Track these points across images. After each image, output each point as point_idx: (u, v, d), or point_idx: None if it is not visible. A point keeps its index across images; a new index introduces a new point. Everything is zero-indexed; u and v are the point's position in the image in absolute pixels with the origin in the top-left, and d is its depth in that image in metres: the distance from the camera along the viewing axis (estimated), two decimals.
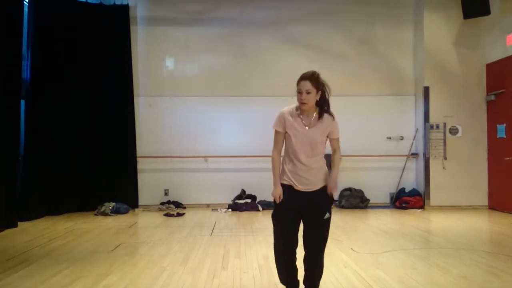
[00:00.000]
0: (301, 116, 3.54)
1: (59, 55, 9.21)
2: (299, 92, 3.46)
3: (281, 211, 3.60)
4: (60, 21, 9.23)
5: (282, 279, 3.77)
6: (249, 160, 9.89)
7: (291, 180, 3.55)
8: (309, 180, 3.52)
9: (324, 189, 3.57)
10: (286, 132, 3.56)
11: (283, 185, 3.59)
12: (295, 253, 3.66)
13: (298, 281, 3.75)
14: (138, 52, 10.16)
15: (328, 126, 3.56)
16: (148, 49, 10.24)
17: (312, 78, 3.45)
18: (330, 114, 3.58)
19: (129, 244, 6.34)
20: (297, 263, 3.75)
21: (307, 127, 3.52)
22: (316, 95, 3.47)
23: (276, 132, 3.60)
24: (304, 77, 3.47)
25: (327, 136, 3.59)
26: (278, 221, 3.66)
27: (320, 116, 3.54)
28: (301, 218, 3.60)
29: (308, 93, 3.43)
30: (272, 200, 3.71)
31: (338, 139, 3.66)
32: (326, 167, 3.64)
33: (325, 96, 3.54)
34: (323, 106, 3.54)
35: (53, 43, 9.10)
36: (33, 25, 8.73)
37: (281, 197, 3.55)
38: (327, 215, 3.54)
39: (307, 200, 3.52)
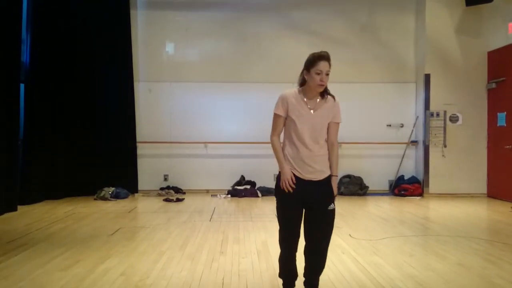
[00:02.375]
0: (305, 99, 3.37)
1: (59, 39, 9.15)
2: (318, 73, 3.25)
3: (286, 200, 3.38)
4: (59, 5, 9.16)
5: (281, 273, 3.63)
6: (248, 146, 9.89)
7: (295, 168, 3.35)
8: (314, 168, 3.34)
9: (328, 179, 3.41)
10: (287, 117, 3.38)
11: None
12: (297, 244, 3.48)
13: (296, 274, 3.60)
14: (138, 36, 10.10)
15: (332, 108, 3.42)
16: (148, 34, 10.18)
17: (330, 58, 3.31)
18: (331, 95, 3.45)
19: (129, 228, 6.37)
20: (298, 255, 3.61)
21: (312, 111, 3.36)
22: None
23: (277, 115, 3.40)
24: (324, 57, 3.28)
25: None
26: (285, 213, 3.43)
27: (322, 97, 3.41)
28: (304, 209, 3.41)
29: (327, 74, 3.28)
30: (274, 187, 3.51)
31: (338, 125, 3.49)
32: (328, 157, 3.45)
33: None
34: (325, 88, 3.39)
35: (52, 26, 9.04)
36: (33, 9, 8.64)
37: (293, 179, 3.31)
38: (332, 205, 3.38)
39: (313, 190, 3.34)
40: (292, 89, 3.45)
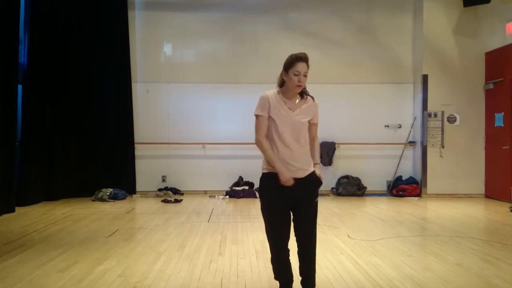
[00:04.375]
0: (284, 100, 3.39)
1: (57, 40, 9.14)
2: (296, 74, 3.28)
3: (273, 201, 3.38)
4: (57, 5, 9.15)
5: (276, 275, 3.62)
6: (246, 147, 9.86)
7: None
8: (295, 167, 3.35)
9: (311, 174, 3.44)
10: (269, 117, 3.37)
11: (268, 174, 3.38)
12: (287, 245, 3.49)
13: (292, 275, 3.58)
14: (136, 37, 10.10)
15: (312, 108, 3.46)
16: (145, 35, 10.17)
17: (307, 60, 3.34)
18: (311, 96, 3.49)
19: (126, 229, 6.35)
20: (291, 257, 3.59)
21: (291, 110, 3.38)
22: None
23: (260, 116, 3.36)
24: (302, 58, 3.31)
25: (309, 121, 3.46)
26: (270, 214, 3.43)
27: (302, 98, 3.45)
28: (291, 206, 3.42)
29: (305, 75, 3.32)
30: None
31: (317, 125, 3.54)
32: (310, 155, 3.50)
33: None
34: (304, 89, 3.43)
35: (50, 27, 9.03)
36: (30, 10, 8.64)
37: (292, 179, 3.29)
38: (316, 198, 3.45)
39: (297, 188, 3.33)
40: (271, 90, 3.47)
